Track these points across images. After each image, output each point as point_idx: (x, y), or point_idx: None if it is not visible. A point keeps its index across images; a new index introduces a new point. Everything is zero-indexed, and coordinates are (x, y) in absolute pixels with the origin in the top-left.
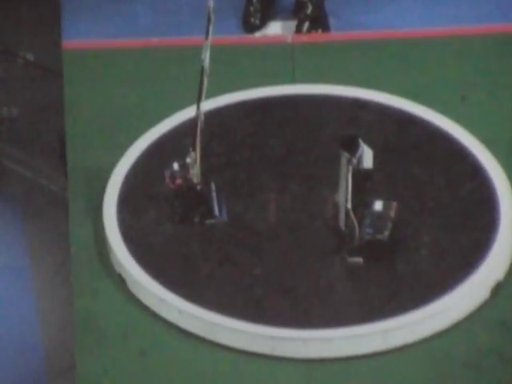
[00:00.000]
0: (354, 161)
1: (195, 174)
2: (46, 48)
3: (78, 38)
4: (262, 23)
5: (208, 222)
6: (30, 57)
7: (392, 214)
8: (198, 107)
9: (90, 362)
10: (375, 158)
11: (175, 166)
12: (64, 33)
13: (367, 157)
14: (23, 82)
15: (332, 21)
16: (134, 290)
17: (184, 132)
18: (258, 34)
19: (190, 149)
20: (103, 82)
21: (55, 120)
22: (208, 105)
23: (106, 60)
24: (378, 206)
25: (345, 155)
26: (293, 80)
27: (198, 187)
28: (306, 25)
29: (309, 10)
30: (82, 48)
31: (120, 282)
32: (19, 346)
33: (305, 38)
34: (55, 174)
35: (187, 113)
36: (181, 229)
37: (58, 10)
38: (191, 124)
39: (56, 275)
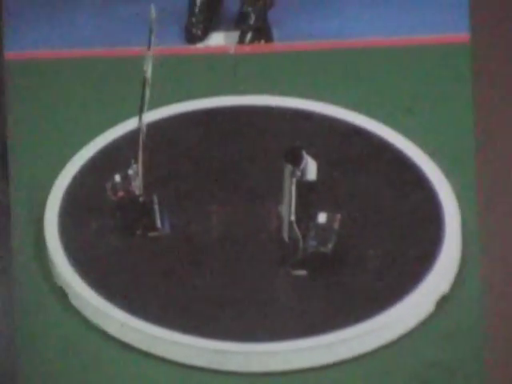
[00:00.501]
0: (298, 173)
1: (137, 186)
2: None
3: (19, 48)
4: (204, 34)
5: (150, 234)
6: None
7: (336, 226)
8: (140, 118)
9: (33, 376)
10: (319, 169)
11: (117, 177)
12: (6, 43)
13: (311, 169)
14: None
15: (275, 31)
16: (76, 303)
17: (126, 143)
18: (200, 45)
19: (132, 160)
20: (45, 92)
21: None
22: (150, 116)
23: (48, 70)
24: (322, 218)
25: (288, 167)
26: (236, 91)
27: (141, 199)
28: (249, 35)
29: (252, 21)
30: (24, 58)
31: (62, 295)
32: None
33: (248, 48)
34: None
35: (129, 124)
36: (123, 241)
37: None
38: (133, 135)
39: None
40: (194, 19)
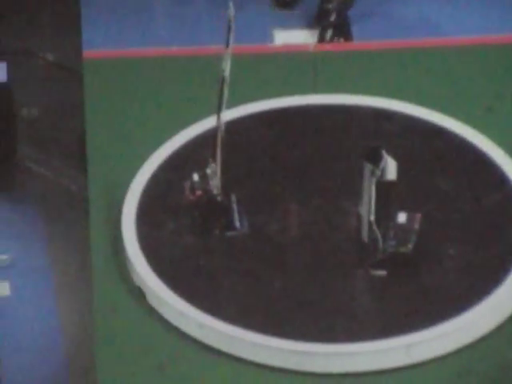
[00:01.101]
0: (378, 172)
1: (215, 185)
2: (66, 48)
3: (97, 47)
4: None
5: (228, 234)
6: (50, 57)
7: (416, 226)
8: (219, 117)
9: (111, 377)
10: (399, 169)
11: (195, 176)
12: (84, 42)
13: (391, 168)
14: (43, 83)
15: (355, 29)
16: (154, 303)
17: (204, 142)
18: (279, 43)
19: (210, 160)
20: (123, 91)
21: (75, 120)
22: (228, 115)
23: (125, 69)
24: (402, 218)
25: (368, 166)
26: (315, 90)
27: (219, 198)
28: (330, 32)
29: (332, 18)
30: (102, 57)
31: (140, 295)
32: (41, 346)
33: (327, 46)
34: (75, 174)
35: (207, 123)
36: (201, 241)
37: (78, 11)
38: (211, 134)
39: (76, 276)
40: None
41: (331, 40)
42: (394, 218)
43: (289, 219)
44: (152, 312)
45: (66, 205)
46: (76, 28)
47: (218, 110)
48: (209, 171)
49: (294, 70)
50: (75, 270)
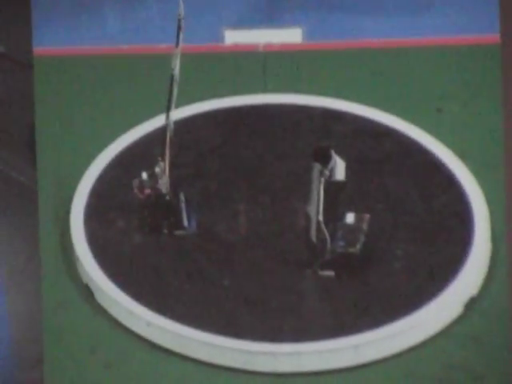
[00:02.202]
0: (327, 172)
1: (164, 183)
2: (18, 41)
3: (48, 44)
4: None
5: (177, 232)
6: (1, 49)
7: (364, 226)
8: (168, 116)
9: (58, 374)
10: (348, 169)
11: (144, 175)
12: (35, 39)
13: (340, 168)
14: None
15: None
16: (102, 301)
17: (153, 141)
18: (229, 42)
19: (159, 158)
20: (73, 89)
21: (26, 112)
22: (178, 114)
23: (75, 67)
24: (350, 218)
25: (317, 166)
26: (264, 89)
27: (167, 197)
28: None
29: None
30: (53, 55)
31: (88, 293)
32: None
33: (277, 46)
34: (25, 166)
35: (156, 122)
36: (149, 239)
37: (29, 6)
38: (160, 133)
39: (24, 268)
40: None
41: None
42: (342, 218)
43: (238, 219)
44: (100, 310)
45: (15, 196)
46: (27, 22)
47: (168, 109)
48: (158, 170)
49: (244, 69)
50: (23, 262)
